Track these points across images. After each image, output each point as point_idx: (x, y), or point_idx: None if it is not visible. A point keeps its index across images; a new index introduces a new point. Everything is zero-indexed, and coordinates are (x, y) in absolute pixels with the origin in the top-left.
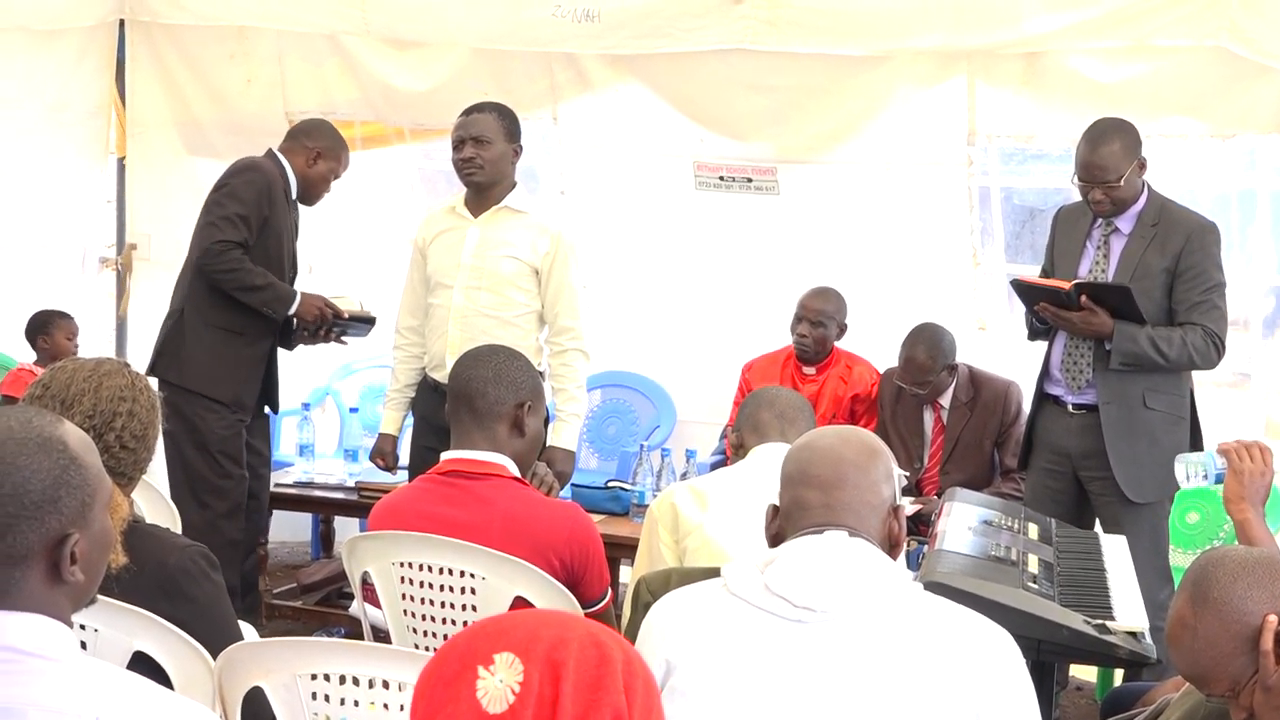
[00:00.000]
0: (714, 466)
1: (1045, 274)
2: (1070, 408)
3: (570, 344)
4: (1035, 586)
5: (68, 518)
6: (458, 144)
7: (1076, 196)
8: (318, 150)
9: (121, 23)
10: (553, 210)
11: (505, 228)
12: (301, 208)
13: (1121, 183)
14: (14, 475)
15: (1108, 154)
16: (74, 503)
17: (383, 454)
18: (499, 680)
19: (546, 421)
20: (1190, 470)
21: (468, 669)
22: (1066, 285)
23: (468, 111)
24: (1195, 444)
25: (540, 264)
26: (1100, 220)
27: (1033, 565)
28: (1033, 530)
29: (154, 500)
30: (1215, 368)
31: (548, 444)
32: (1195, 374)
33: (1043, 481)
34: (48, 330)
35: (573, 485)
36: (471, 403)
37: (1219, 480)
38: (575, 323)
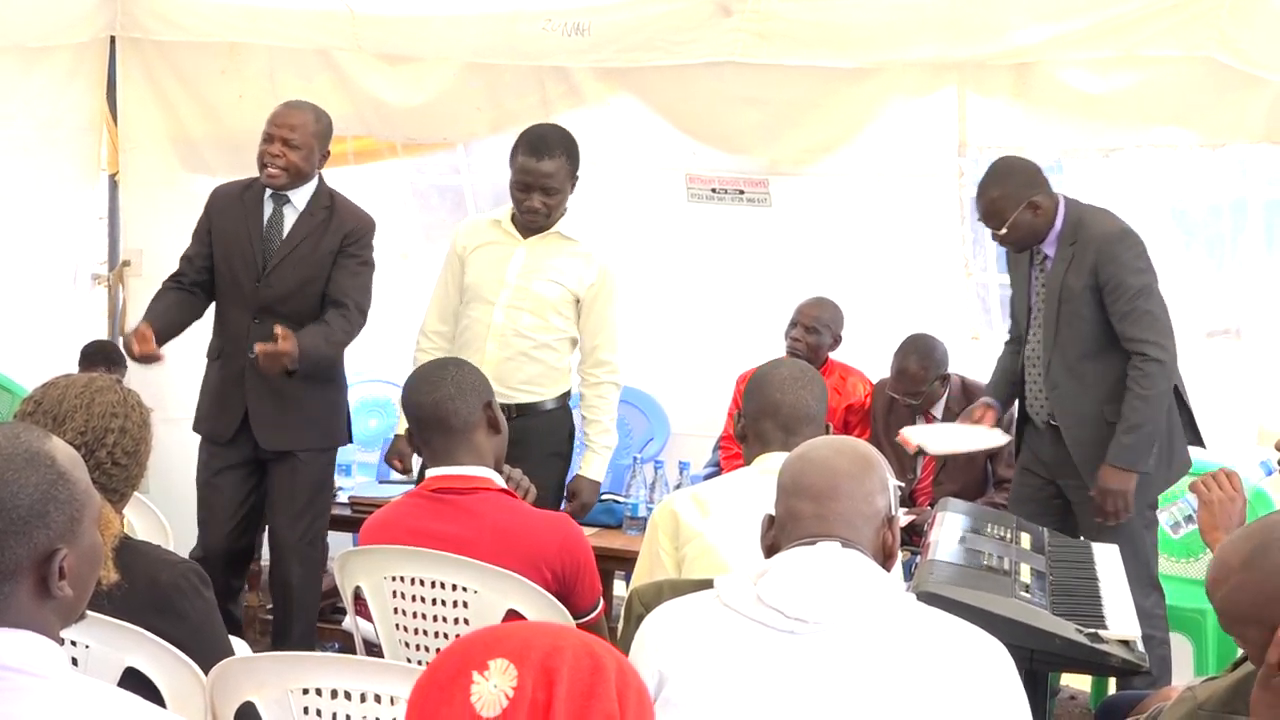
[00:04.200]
0: (707, 478)
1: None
2: (1040, 424)
3: (607, 377)
4: (1028, 596)
5: (56, 533)
6: (525, 188)
7: None
8: None
9: (113, 39)
10: (603, 240)
11: (553, 253)
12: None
13: (1006, 229)
14: (3, 491)
15: (988, 203)
16: (62, 518)
17: (401, 455)
18: (493, 685)
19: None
20: (1173, 518)
21: (462, 674)
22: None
23: (537, 151)
24: (1196, 441)
25: (584, 294)
26: (1034, 251)
27: (1025, 574)
28: (1025, 540)
29: (146, 516)
30: (1171, 358)
31: (576, 473)
32: (1189, 386)
33: (1026, 482)
34: (89, 365)
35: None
36: (445, 423)
37: None
38: (613, 357)
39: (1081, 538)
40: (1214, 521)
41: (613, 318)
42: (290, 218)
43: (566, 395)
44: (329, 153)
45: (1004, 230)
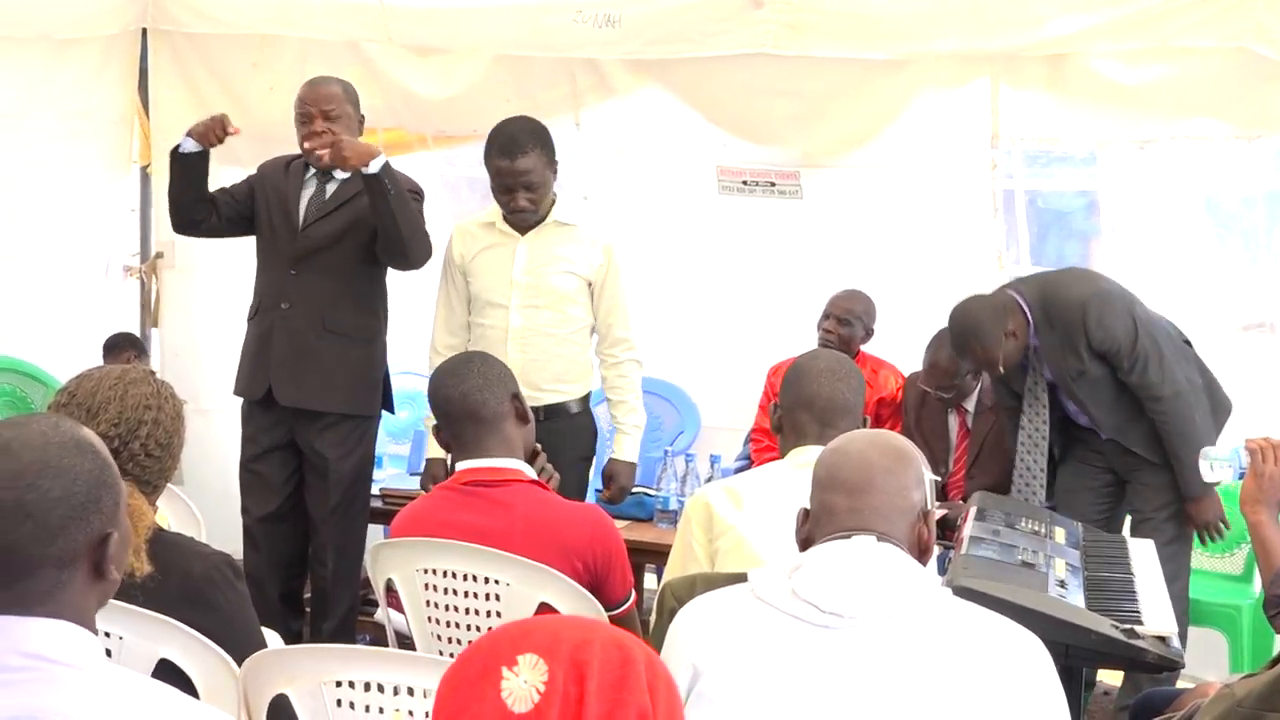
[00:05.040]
0: (738, 471)
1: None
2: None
3: (626, 355)
4: (1063, 591)
5: (106, 517)
6: (508, 189)
7: (1103, 198)
8: None
9: (144, 31)
10: (601, 220)
11: (556, 242)
12: None
13: (1003, 369)
14: (62, 478)
15: (978, 360)
16: (110, 502)
17: (435, 479)
18: (523, 681)
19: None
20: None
21: (491, 670)
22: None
23: (509, 152)
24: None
25: (594, 277)
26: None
27: (1060, 569)
28: (1059, 534)
29: (179, 508)
30: (1181, 380)
31: (610, 457)
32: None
33: (1080, 471)
34: (115, 355)
35: (596, 490)
36: (475, 415)
37: (1241, 476)
38: (630, 334)
39: (1128, 523)
40: (1258, 495)
41: (624, 295)
42: (332, 188)
43: (588, 398)
44: (364, 118)
45: (1002, 370)
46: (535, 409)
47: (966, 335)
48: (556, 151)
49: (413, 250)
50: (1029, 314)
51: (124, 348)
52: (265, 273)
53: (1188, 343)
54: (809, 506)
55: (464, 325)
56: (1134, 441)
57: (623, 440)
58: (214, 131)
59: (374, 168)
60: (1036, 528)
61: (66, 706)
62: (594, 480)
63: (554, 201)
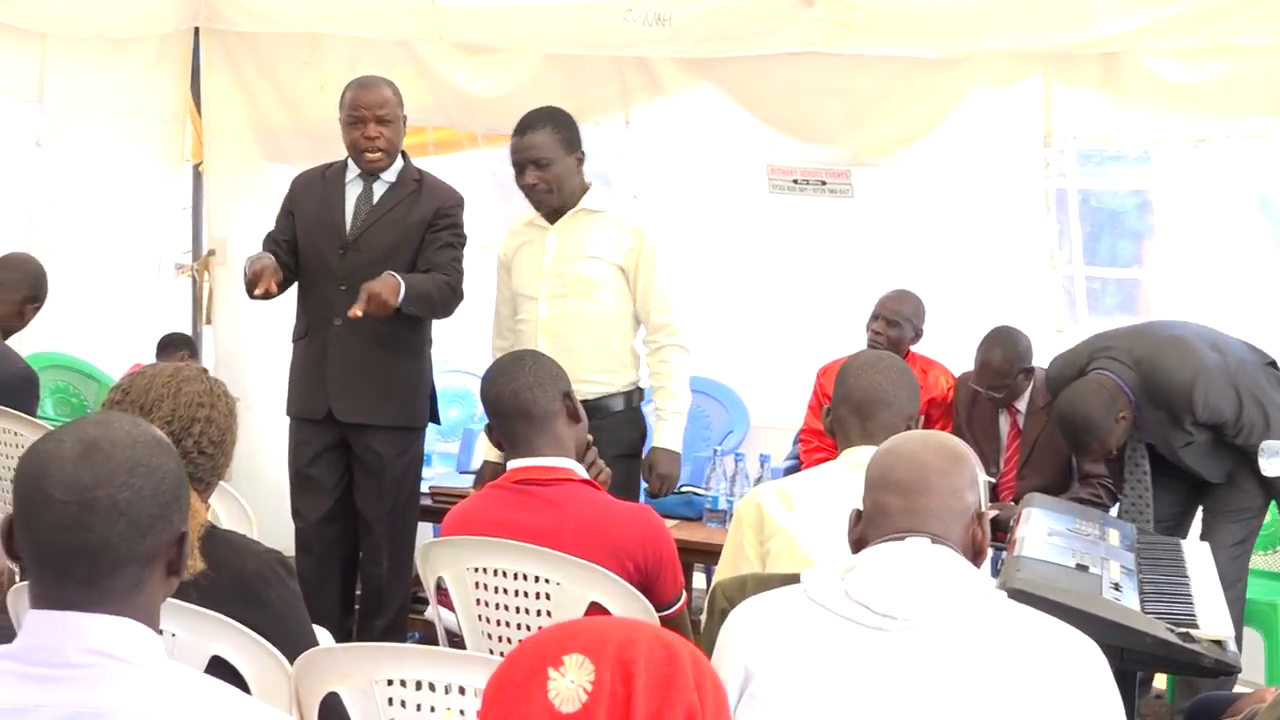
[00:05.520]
0: (788, 471)
1: None
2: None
3: (667, 340)
4: (1117, 594)
5: (183, 515)
6: (518, 167)
7: (1156, 197)
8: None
9: (196, 30)
10: (632, 206)
11: (584, 229)
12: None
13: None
14: (152, 476)
15: (1095, 452)
16: (187, 499)
17: (485, 482)
18: (570, 681)
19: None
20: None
21: (538, 671)
22: None
23: (520, 130)
24: None
25: (625, 262)
26: None
27: (1114, 572)
28: (1114, 536)
29: (231, 505)
30: (1255, 414)
31: (651, 445)
32: None
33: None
34: (169, 354)
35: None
36: (526, 413)
37: None
38: (670, 318)
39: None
40: None
41: (660, 279)
42: (379, 190)
43: (638, 394)
44: (406, 118)
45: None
46: None
47: (1079, 430)
48: (581, 140)
49: (446, 314)
50: (1129, 386)
51: (177, 347)
52: (312, 291)
53: (1272, 364)
54: (861, 508)
55: (512, 327)
56: (1242, 480)
57: (661, 426)
58: (267, 288)
59: (400, 301)
60: (1090, 530)
61: (125, 703)
62: (639, 477)
63: (585, 191)
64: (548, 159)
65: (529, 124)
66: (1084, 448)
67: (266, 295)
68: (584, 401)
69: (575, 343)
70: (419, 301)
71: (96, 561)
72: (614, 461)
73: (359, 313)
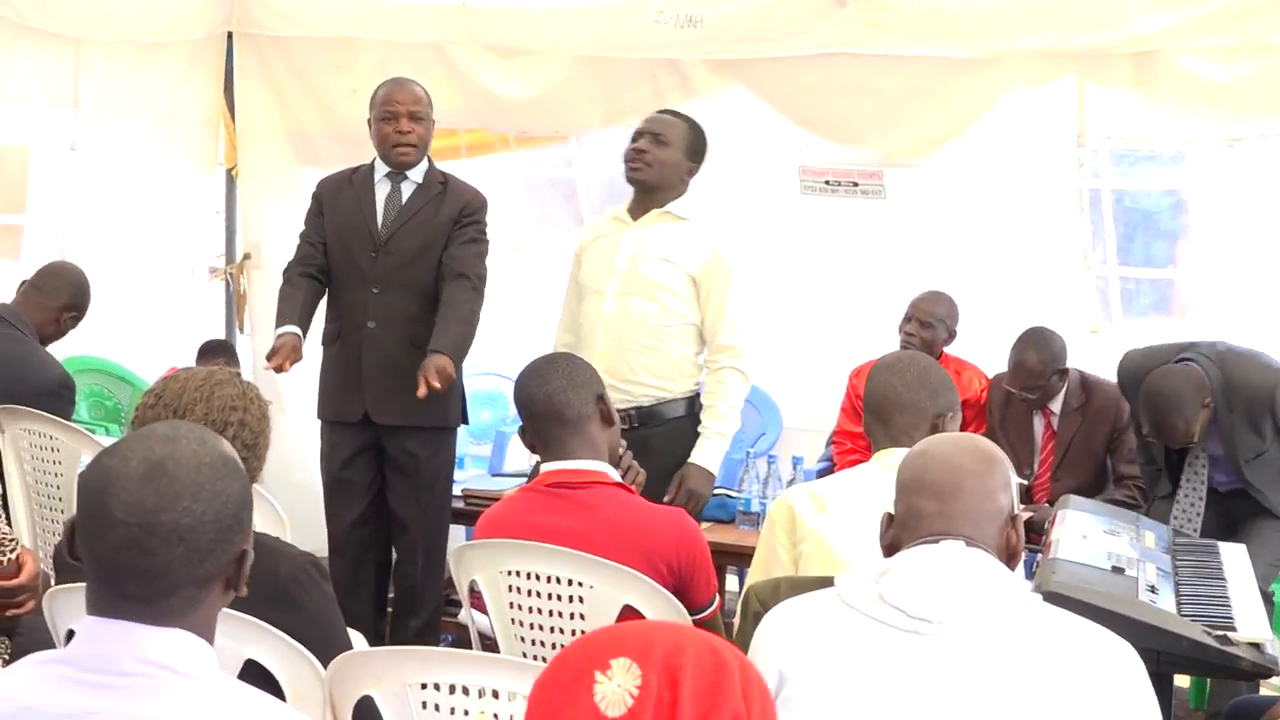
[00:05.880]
0: (820, 474)
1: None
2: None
3: (727, 362)
4: (1153, 596)
5: (245, 534)
6: (635, 136)
7: (1191, 197)
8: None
9: (229, 35)
10: (719, 222)
11: (663, 232)
12: None
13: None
14: (215, 501)
15: (1179, 433)
16: (249, 520)
17: None
18: (616, 685)
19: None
20: None
21: (584, 674)
22: None
23: (661, 111)
24: None
25: (699, 274)
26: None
27: (1150, 574)
28: (1149, 538)
29: (264, 508)
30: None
31: (688, 460)
32: None
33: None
34: (208, 360)
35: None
36: (560, 415)
37: None
38: (735, 340)
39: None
40: None
41: (729, 301)
42: (408, 190)
43: (696, 403)
44: (434, 121)
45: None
46: (627, 412)
47: (1169, 406)
48: (703, 161)
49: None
50: (1212, 389)
51: (216, 354)
52: (344, 293)
53: None
54: (893, 511)
55: (580, 322)
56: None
57: (701, 444)
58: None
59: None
60: (1126, 532)
61: (176, 716)
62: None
63: (677, 197)
64: (666, 140)
65: (672, 111)
66: (1169, 427)
67: (279, 369)
68: (638, 408)
69: (633, 342)
70: (466, 344)
71: (155, 584)
72: (669, 473)
73: (424, 392)
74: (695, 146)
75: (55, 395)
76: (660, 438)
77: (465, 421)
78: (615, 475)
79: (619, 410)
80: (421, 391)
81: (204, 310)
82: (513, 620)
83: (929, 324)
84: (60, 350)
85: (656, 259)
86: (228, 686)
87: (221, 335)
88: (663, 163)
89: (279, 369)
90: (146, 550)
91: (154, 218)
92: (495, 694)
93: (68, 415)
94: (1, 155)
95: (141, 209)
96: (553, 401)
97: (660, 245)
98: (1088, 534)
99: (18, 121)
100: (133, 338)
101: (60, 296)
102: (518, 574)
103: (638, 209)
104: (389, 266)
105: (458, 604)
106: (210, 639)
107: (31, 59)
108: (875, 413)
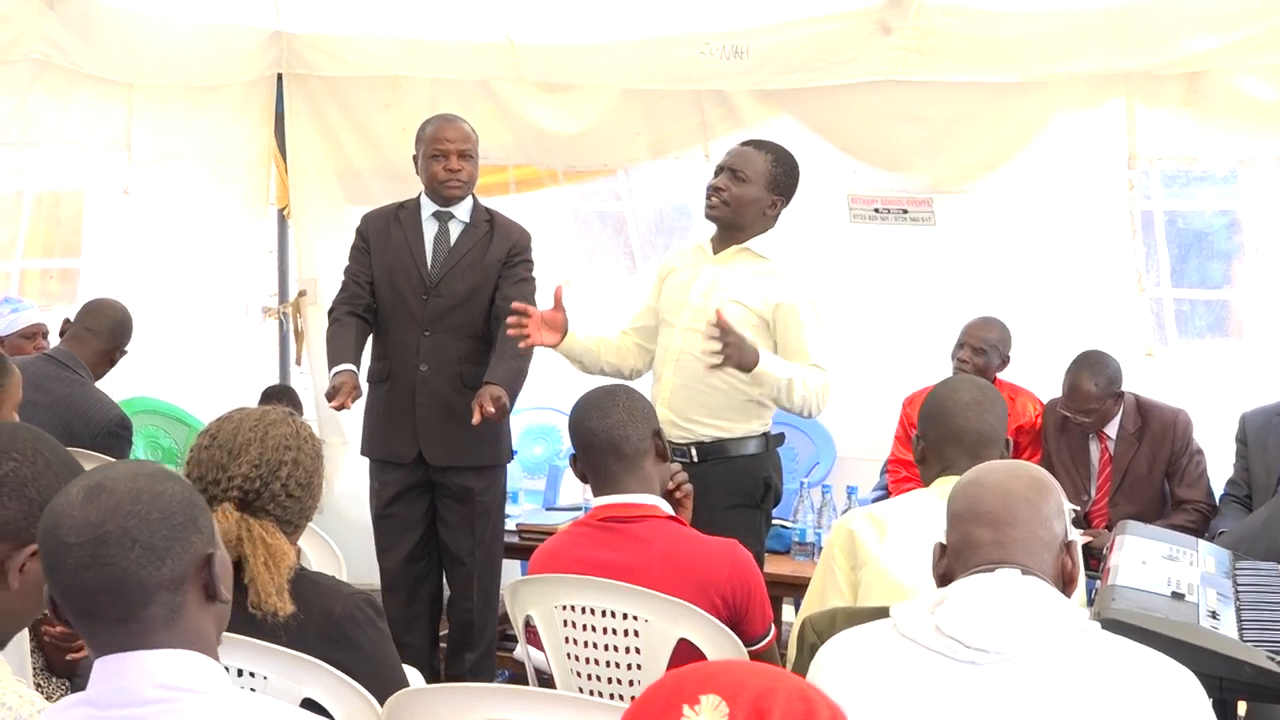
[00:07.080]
0: (875, 503)
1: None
2: None
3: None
4: (1215, 622)
5: (206, 537)
6: (716, 170)
7: (1245, 217)
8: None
9: (279, 76)
10: (801, 264)
11: (740, 271)
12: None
13: None
14: (157, 501)
15: None
16: (206, 523)
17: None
18: None
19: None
20: None
21: (673, 707)
22: None
23: (745, 143)
24: None
25: (771, 315)
26: None
27: (1211, 600)
28: (1210, 563)
29: (319, 546)
30: None
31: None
32: None
33: None
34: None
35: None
36: (618, 450)
37: None
38: (822, 361)
39: None
40: None
41: (810, 338)
42: (455, 230)
43: (762, 442)
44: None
45: None
46: (686, 445)
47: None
48: (792, 194)
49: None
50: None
51: (278, 399)
52: (394, 334)
53: None
54: (944, 541)
55: (642, 328)
56: None
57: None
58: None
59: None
60: (1186, 557)
61: None
62: (760, 528)
63: (760, 233)
64: (745, 176)
65: (757, 142)
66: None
67: (341, 407)
68: (698, 444)
69: (694, 379)
70: (519, 380)
71: (123, 594)
72: (730, 512)
73: (478, 419)
74: (778, 179)
75: (114, 435)
76: (716, 475)
77: (510, 457)
78: (667, 509)
79: (678, 445)
80: (476, 419)
81: (258, 350)
82: (568, 655)
83: (982, 350)
84: (116, 391)
85: (729, 299)
86: (241, 699)
87: (275, 374)
88: (740, 199)
89: (341, 407)
90: (104, 561)
91: (207, 259)
92: None
93: (125, 455)
94: (57, 200)
95: (195, 250)
96: (612, 436)
97: (734, 285)
98: (1147, 559)
99: (73, 167)
100: (187, 378)
101: (112, 336)
102: (573, 609)
103: (719, 243)
104: (440, 309)
105: (512, 639)
106: (214, 656)
107: (85, 105)
108: (971, 450)
